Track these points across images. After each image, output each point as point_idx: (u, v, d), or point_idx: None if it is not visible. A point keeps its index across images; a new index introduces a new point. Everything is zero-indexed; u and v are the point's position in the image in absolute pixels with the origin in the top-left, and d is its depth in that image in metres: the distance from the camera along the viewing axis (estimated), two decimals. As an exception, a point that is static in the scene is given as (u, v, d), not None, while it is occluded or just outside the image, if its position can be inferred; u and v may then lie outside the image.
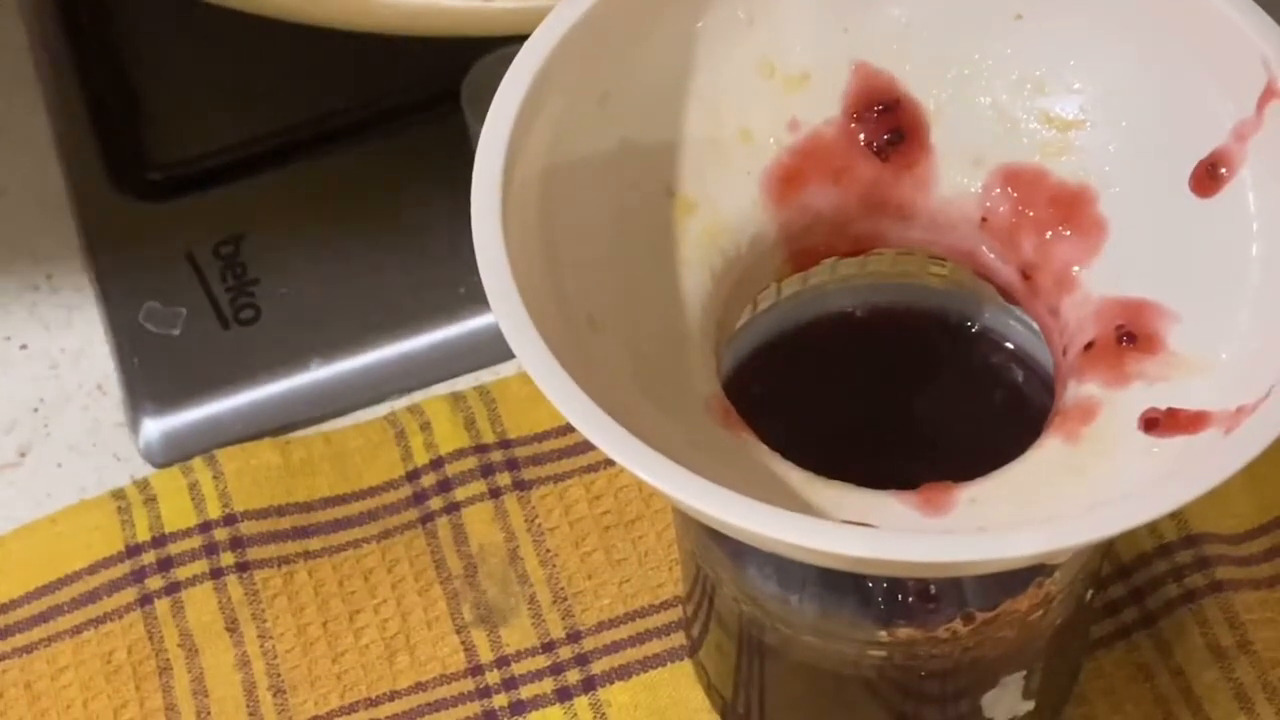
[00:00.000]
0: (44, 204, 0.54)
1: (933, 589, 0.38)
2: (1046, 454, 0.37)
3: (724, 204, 0.39)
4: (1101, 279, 0.38)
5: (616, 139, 0.38)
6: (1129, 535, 0.33)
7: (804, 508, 0.36)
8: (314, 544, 0.48)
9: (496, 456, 0.49)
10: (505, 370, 0.51)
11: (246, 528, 0.48)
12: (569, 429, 0.34)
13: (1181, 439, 0.36)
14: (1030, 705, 0.42)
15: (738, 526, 0.33)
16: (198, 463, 0.49)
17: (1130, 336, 0.37)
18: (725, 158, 0.39)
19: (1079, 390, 0.37)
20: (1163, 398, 0.36)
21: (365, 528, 0.48)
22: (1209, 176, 0.37)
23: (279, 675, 0.46)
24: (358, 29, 0.48)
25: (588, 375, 0.34)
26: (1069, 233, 0.39)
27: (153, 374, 0.50)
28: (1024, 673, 0.41)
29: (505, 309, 0.34)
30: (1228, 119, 0.37)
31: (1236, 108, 0.37)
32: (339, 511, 0.48)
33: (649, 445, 0.33)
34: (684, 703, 0.46)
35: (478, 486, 0.48)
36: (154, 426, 0.50)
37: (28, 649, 0.47)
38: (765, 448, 0.37)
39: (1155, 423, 0.36)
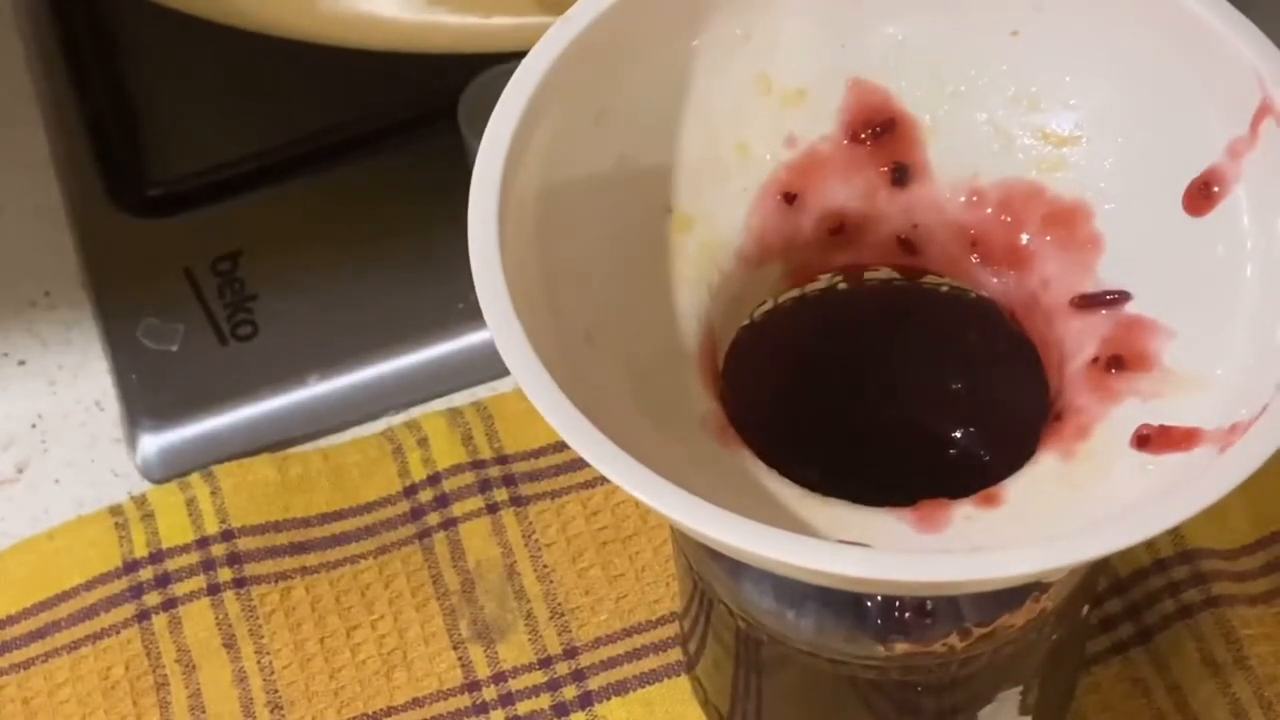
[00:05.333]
0: (42, 220, 0.54)
1: (929, 605, 0.38)
2: (1042, 470, 0.37)
3: (721, 220, 0.39)
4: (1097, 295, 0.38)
5: (613, 156, 0.39)
6: (1125, 551, 0.33)
7: (799, 525, 0.36)
8: (311, 560, 0.48)
9: (494, 472, 0.49)
10: (503, 386, 0.51)
11: (244, 544, 0.48)
12: (566, 445, 0.34)
13: (1175, 456, 0.36)
14: (1027, 721, 0.42)
15: (732, 545, 0.33)
16: (195, 479, 0.49)
17: (1119, 361, 0.37)
18: (722, 174, 0.39)
19: (1074, 407, 0.37)
20: (1157, 415, 0.36)
21: (362, 543, 0.48)
22: (1202, 195, 0.37)
23: (276, 691, 0.46)
24: (354, 46, 0.48)
25: (584, 392, 0.34)
26: (1064, 249, 0.39)
27: (150, 390, 0.51)
28: (1020, 688, 0.41)
29: (501, 326, 0.34)
30: (1222, 136, 0.37)
31: (1230, 125, 0.37)
32: (336, 527, 0.48)
33: (645, 463, 0.33)
34: (681, 719, 0.46)
35: (475, 502, 0.48)
36: (152, 442, 0.50)
37: (25, 665, 0.47)
38: (762, 464, 0.37)
39: (1148, 440, 0.36)
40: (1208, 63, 0.37)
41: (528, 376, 0.34)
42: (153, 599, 0.47)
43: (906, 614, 0.38)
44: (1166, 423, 0.36)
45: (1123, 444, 0.36)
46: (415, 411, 0.51)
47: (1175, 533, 0.47)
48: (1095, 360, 0.38)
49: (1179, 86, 0.37)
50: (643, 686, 0.46)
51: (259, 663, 0.47)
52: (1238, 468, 0.33)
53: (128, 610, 0.47)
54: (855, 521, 0.36)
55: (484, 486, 0.49)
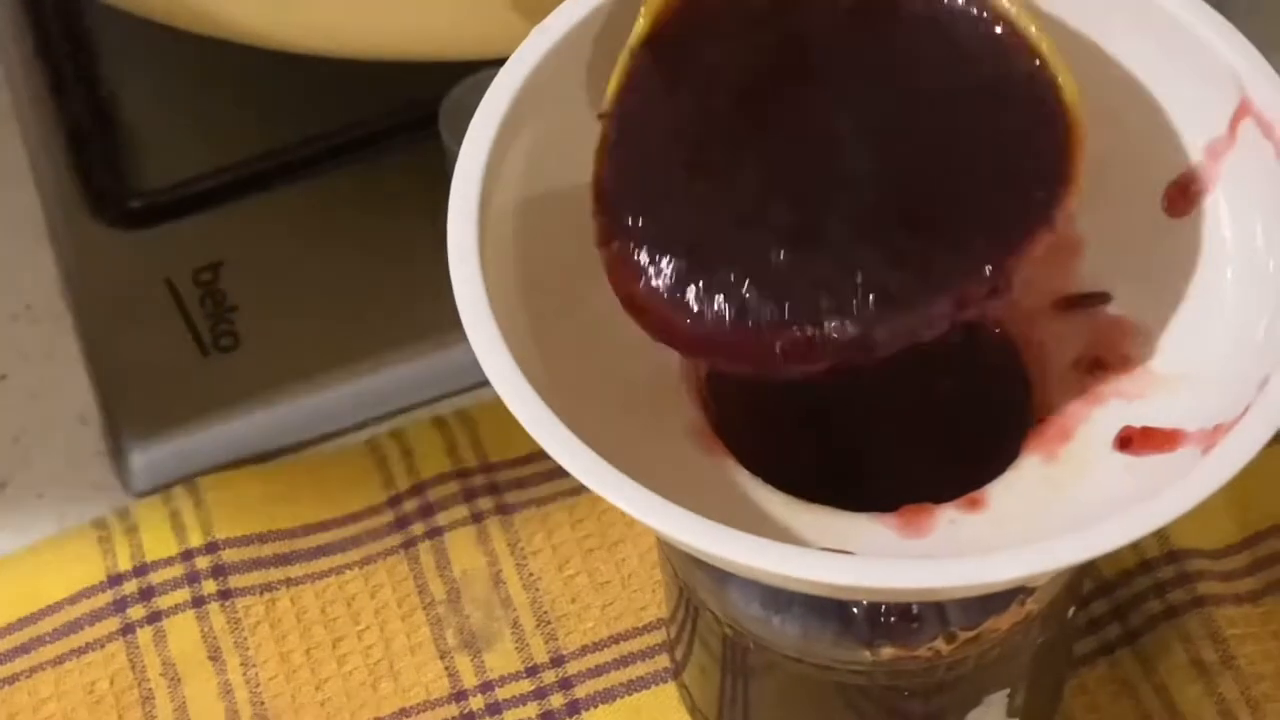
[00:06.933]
0: (22, 234, 0.54)
1: (915, 609, 0.38)
2: (1025, 473, 0.37)
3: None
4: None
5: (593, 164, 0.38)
6: (1111, 552, 0.33)
7: (783, 532, 0.36)
8: (296, 571, 0.48)
9: (478, 481, 0.49)
10: (487, 395, 0.50)
11: (228, 555, 0.48)
12: (550, 453, 0.34)
13: (1157, 457, 0.36)
14: (1014, 723, 0.42)
15: (714, 554, 0.33)
16: (179, 491, 0.49)
17: (1100, 362, 0.37)
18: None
19: (1056, 409, 0.37)
20: (1139, 416, 0.36)
21: (347, 554, 0.48)
22: (1182, 196, 0.37)
23: (262, 703, 0.46)
24: (331, 55, 0.48)
25: (566, 401, 0.34)
26: (1044, 251, 0.39)
27: (133, 403, 0.50)
28: (1007, 691, 0.41)
29: (480, 337, 0.34)
30: (1201, 137, 0.37)
31: (1209, 126, 0.37)
32: (321, 538, 0.48)
33: (629, 472, 0.33)
34: (668, 725, 0.46)
35: (460, 511, 0.48)
36: (135, 455, 0.50)
37: (10, 680, 0.47)
38: (745, 471, 0.37)
39: (1129, 441, 0.36)
40: (1186, 63, 0.37)
41: (507, 386, 0.34)
42: (137, 612, 0.47)
43: (892, 619, 0.38)
44: (1149, 424, 0.36)
45: (1105, 445, 0.36)
46: (400, 421, 0.51)
47: (1161, 533, 0.47)
48: (1077, 362, 0.38)
49: (1158, 87, 0.37)
50: (630, 694, 0.46)
51: (245, 675, 0.47)
52: (1222, 469, 0.33)
53: (112, 624, 0.47)
54: (839, 528, 0.36)
55: (469, 495, 0.49)
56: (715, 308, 0.32)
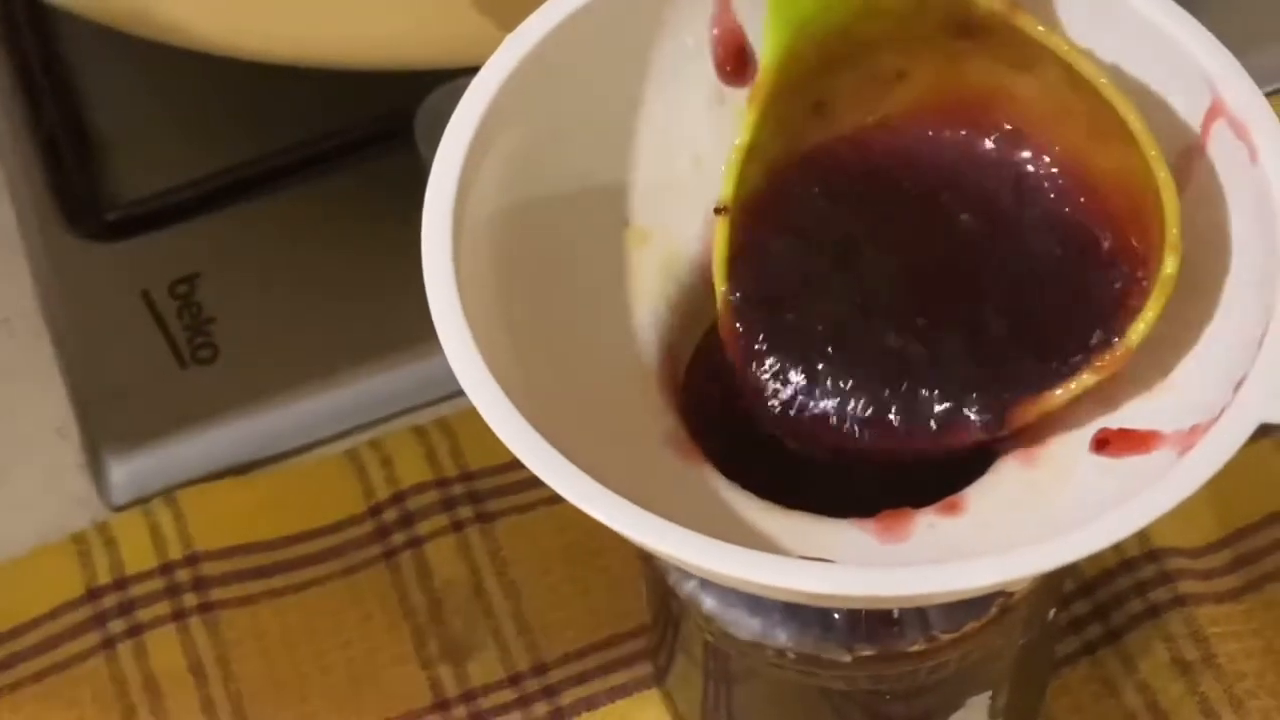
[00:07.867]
0: (-3, 248, 0.54)
1: (895, 613, 0.38)
2: (1003, 476, 0.37)
3: (678, 233, 0.39)
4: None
5: (568, 172, 0.38)
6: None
7: (763, 539, 0.36)
8: (277, 582, 0.48)
9: (458, 489, 0.49)
10: (465, 403, 0.50)
11: (209, 568, 0.48)
12: (530, 462, 0.34)
13: (1134, 459, 0.36)
14: (997, 725, 0.42)
15: (691, 563, 0.33)
16: (158, 504, 0.49)
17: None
18: (678, 187, 0.39)
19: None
20: (1115, 418, 0.36)
21: (329, 564, 0.48)
22: (1156, 198, 0.37)
23: (245, 716, 0.46)
24: (303, 64, 0.48)
25: (542, 411, 0.34)
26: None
27: (111, 416, 0.50)
28: (989, 693, 0.41)
29: (455, 347, 0.34)
30: (1175, 140, 0.37)
31: (1183, 128, 0.37)
32: (301, 549, 0.48)
33: (608, 481, 0.33)
34: (652, 732, 0.46)
35: (440, 520, 0.48)
36: (113, 469, 0.50)
37: (-9, 697, 0.47)
38: (723, 478, 0.37)
39: (1106, 443, 0.36)
40: (1159, 65, 0.37)
41: (482, 397, 0.34)
42: (118, 627, 0.47)
43: (873, 623, 0.38)
44: (1126, 426, 0.36)
45: (1083, 448, 0.36)
46: (379, 430, 0.50)
47: (1141, 532, 0.46)
48: None
49: (1131, 90, 0.37)
50: (613, 701, 0.46)
51: (227, 688, 0.46)
52: (1199, 471, 0.33)
53: (92, 639, 0.47)
54: (818, 534, 0.36)
55: (448, 504, 0.48)
56: (807, 403, 0.37)
